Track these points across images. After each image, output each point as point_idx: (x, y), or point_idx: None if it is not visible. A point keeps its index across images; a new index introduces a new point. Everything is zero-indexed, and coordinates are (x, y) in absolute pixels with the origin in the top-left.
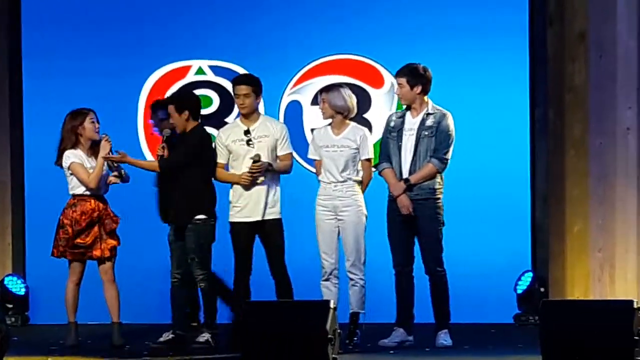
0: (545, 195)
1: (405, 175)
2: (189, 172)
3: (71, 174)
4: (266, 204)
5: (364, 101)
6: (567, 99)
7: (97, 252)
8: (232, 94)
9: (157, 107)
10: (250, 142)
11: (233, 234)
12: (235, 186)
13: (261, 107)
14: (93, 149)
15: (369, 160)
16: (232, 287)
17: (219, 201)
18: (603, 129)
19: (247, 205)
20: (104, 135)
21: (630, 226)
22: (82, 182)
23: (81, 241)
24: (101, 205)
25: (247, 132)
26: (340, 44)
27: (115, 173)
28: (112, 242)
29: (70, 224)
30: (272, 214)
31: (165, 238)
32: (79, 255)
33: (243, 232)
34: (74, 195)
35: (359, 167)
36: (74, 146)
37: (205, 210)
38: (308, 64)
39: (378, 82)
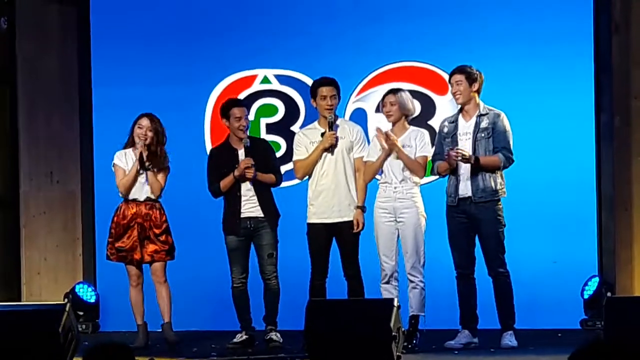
0: (611, 201)
1: (462, 183)
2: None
3: None
4: (343, 204)
5: (429, 108)
6: (633, 105)
7: (137, 256)
8: (314, 95)
9: None
10: None
11: (309, 235)
12: (312, 187)
13: None
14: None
15: (423, 157)
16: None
17: (298, 202)
18: None
19: (324, 206)
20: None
21: None
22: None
23: (121, 245)
24: (145, 210)
25: (323, 135)
26: (404, 51)
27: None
28: (153, 246)
29: (115, 227)
30: (349, 215)
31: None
32: (121, 259)
33: (319, 233)
34: (124, 199)
35: None
36: (128, 146)
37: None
38: (372, 71)
39: (442, 89)
